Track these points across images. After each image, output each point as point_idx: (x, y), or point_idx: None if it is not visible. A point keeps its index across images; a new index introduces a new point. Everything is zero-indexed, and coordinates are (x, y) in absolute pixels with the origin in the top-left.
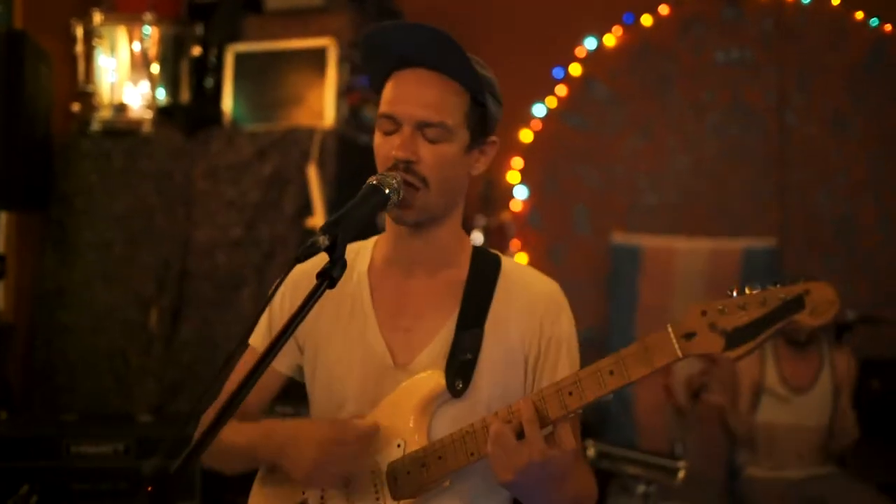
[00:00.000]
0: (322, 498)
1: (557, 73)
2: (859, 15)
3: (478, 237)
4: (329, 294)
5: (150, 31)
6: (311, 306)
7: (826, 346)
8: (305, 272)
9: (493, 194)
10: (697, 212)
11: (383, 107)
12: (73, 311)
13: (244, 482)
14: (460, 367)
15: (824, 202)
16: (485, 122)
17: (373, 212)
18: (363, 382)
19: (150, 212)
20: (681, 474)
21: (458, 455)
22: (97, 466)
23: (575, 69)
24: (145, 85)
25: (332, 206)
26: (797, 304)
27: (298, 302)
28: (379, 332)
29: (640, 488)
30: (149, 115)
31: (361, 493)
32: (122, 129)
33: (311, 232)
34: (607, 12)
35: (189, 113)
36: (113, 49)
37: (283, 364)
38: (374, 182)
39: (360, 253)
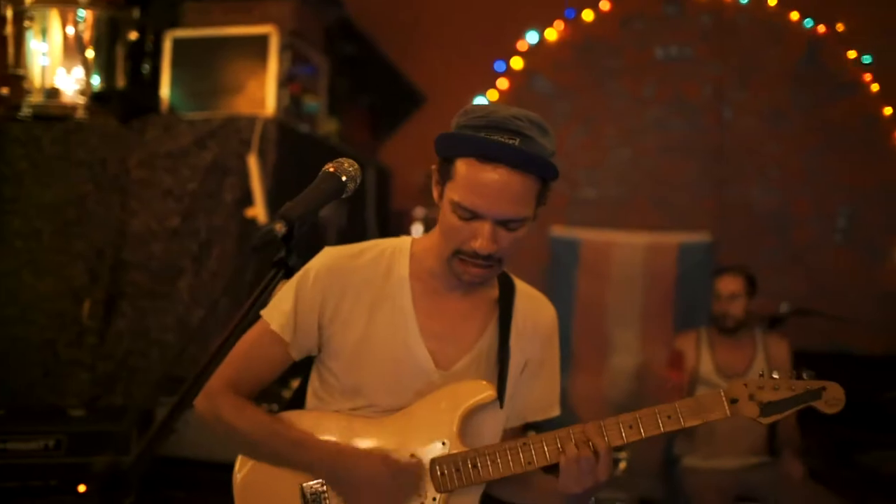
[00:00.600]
0: None
1: (499, 66)
2: (794, 15)
3: (418, 229)
4: (366, 288)
5: (84, 14)
6: (267, 295)
7: (759, 333)
8: (337, 269)
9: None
10: (636, 205)
11: (462, 198)
12: (0, 301)
13: (179, 478)
14: (500, 380)
15: (760, 196)
16: (547, 192)
17: (329, 200)
18: (399, 381)
19: (82, 200)
20: (622, 465)
21: (514, 462)
22: (27, 463)
23: (516, 63)
24: (79, 70)
25: (272, 195)
26: (817, 394)
27: (328, 293)
28: (420, 338)
29: None
30: (82, 100)
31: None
32: (54, 115)
33: (251, 222)
34: (549, 7)
35: (125, 99)
36: (45, 32)
37: (297, 352)
38: (332, 170)
39: (396, 255)
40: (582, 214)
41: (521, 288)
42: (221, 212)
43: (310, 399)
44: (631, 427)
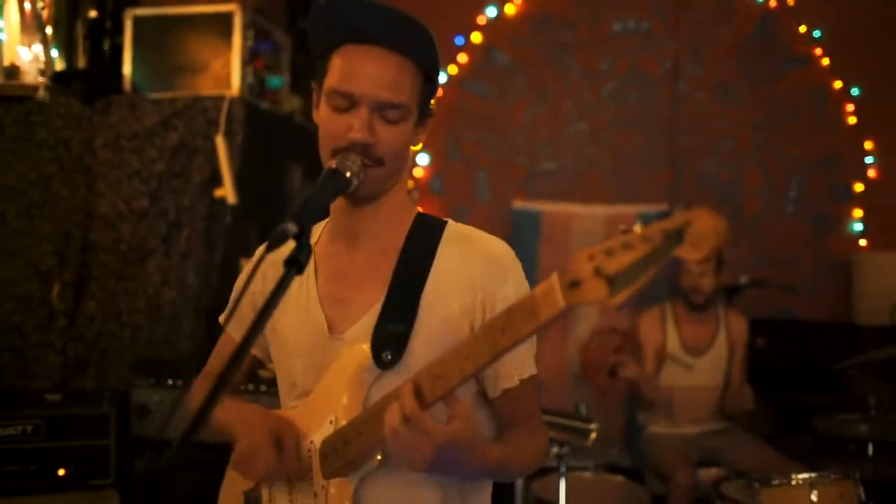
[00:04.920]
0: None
1: (458, 40)
2: None
3: None
4: (280, 271)
5: None
6: (282, 293)
7: (721, 308)
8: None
9: None
10: (594, 177)
11: (338, 83)
12: None
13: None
14: (390, 338)
15: (712, 168)
16: (431, 97)
17: (335, 195)
18: (308, 357)
19: (46, 182)
20: (593, 435)
21: (377, 429)
22: (5, 448)
23: (476, 37)
24: (38, 48)
25: (240, 175)
26: (678, 237)
27: (256, 277)
28: (319, 306)
29: (554, 449)
30: (43, 80)
31: (299, 472)
32: (14, 95)
33: (219, 202)
34: None
35: (86, 79)
36: (2, 9)
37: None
38: (335, 166)
39: (312, 231)
40: (541, 187)
41: (453, 231)
42: (190, 192)
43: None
44: (467, 357)
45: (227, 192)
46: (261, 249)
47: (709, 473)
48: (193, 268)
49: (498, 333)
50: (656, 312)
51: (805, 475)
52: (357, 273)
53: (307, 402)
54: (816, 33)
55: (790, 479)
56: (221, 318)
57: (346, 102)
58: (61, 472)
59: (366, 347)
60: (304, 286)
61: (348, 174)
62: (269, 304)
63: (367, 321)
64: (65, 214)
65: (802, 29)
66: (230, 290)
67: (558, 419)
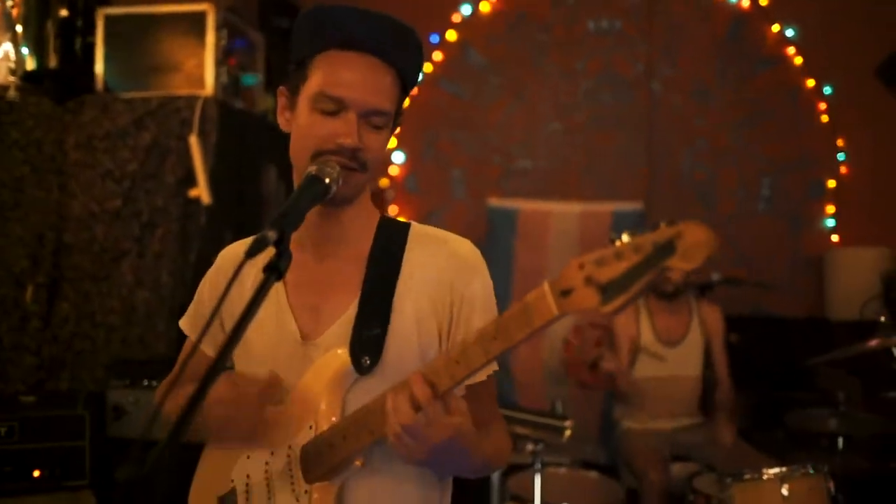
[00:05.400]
0: (247, 484)
1: (433, 38)
2: None
3: None
4: (250, 280)
5: None
6: (261, 301)
7: (693, 299)
8: (231, 256)
9: None
10: (570, 176)
11: (326, 86)
12: None
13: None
14: (367, 342)
15: (688, 167)
16: (402, 105)
17: (313, 202)
18: (280, 364)
19: (18, 183)
20: (567, 433)
21: (361, 434)
22: None
23: (451, 35)
24: (8, 47)
25: (214, 175)
26: (668, 248)
27: (219, 287)
28: (290, 313)
29: (529, 446)
30: (13, 79)
31: (279, 477)
32: None
33: (193, 202)
34: None
35: (58, 79)
36: None
37: (212, 349)
38: (314, 172)
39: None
40: (517, 185)
41: (418, 233)
42: (163, 192)
43: None
44: (459, 362)
45: (201, 192)
46: (222, 255)
47: (682, 468)
48: (167, 268)
49: (490, 340)
50: (630, 305)
51: (776, 470)
52: (327, 280)
53: (283, 407)
54: (789, 33)
55: (761, 474)
56: (185, 328)
57: (334, 106)
58: (36, 473)
59: (342, 352)
60: (272, 295)
61: (327, 180)
62: (248, 312)
63: (341, 326)
64: (37, 216)
65: (775, 29)
66: None
67: (534, 417)
